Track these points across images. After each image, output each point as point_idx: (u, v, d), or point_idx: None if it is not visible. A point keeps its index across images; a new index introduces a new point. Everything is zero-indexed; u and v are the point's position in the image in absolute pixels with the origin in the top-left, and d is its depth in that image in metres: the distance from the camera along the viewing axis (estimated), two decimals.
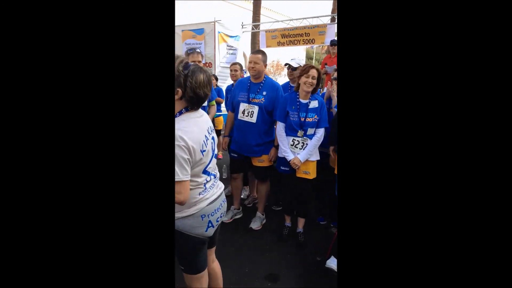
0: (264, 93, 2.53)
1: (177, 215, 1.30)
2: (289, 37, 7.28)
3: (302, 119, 2.35)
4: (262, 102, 2.52)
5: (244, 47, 9.34)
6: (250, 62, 2.53)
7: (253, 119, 2.54)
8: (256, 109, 2.52)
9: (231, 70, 3.64)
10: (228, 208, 2.93)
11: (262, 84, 2.56)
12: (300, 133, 2.38)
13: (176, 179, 1.17)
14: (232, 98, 2.72)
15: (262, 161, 2.65)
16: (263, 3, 10.18)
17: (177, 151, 1.17)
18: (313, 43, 7.07)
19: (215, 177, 1.43)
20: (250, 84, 2.58)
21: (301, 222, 2.67)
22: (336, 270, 2.10)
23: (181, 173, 1.19)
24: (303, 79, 2.31)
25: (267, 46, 7.85)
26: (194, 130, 1.24)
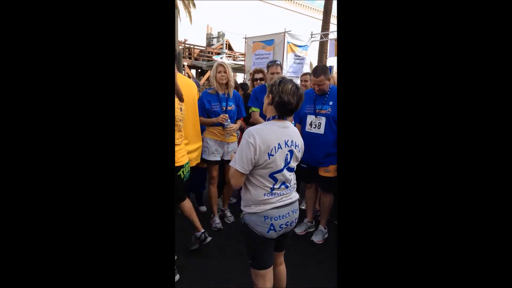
0: (331, 103, 2.54)
1: (245, 210, 1.49)
2: None
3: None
4: (329, 113, 2.53)
5: (311, 56, 9.43)
6: (314, 85, 2.55)
7: (321, 130, 2.56)
8: (323, 120, 2.54)
9: (301, 81, 3.71)
10: (301, 220, 2.92)
11: (328, 95, 2.58)
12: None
13: (231, 164, 1.42)
14: (299, 110, 2.77)
15: (328, 171, 2.62)
16: (333, 12, 10.18)
17: (244, 145, 1.37)
18: None
19: (286, 187, 1.50)
20: (316, 96, 2.61)
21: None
22: None
23: (238, 163, 1.38)
24: None
25: (336, 55, 7.78)
26: (268, 135, 1.38)
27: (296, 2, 21.91)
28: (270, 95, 1.44)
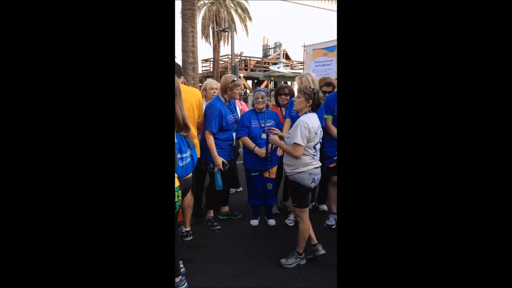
0: None
1: (296, 170, 2.26)
2: None
3: None
4: None
5: None
6: None
7: None
8: None
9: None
10: None
11: None
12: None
13: (295, 141, 2.17)
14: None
15: None
16: None
17: (303, 129, 2.17)
18: None
19: (317, 156, 2.34)
20: None
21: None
22: None
23: (301, 140, 2.17)
24: None
25: None
26: (313, 120, 2.25)
27: None
28: (310, 99, 2.26)
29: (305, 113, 2.27)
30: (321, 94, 2.31)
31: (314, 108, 2.28)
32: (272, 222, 3.09)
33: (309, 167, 2.25)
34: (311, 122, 2.19)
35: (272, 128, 2.53)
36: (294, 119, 2.76)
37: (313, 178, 2.27)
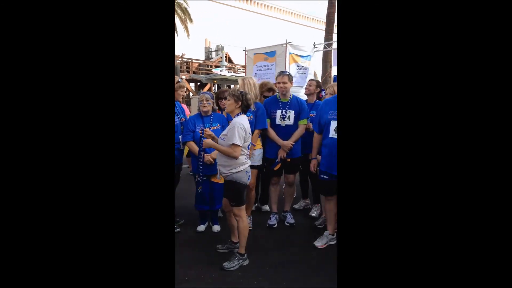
0: None
1: (233, 170, 2.32)
2: None
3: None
4: None
5: (315, 66, 9.20)
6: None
7: None
8: None
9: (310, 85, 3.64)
10: (322, 233, 2.91)
11: None
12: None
13: (234, 142, 2.24)
14: (319, 118, 2.70)
15: None
16: (336, 22, 9.97)
17: (240, 130, 2.26)
18: None
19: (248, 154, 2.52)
20: None
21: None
22: None
23: (239, 141, 2.26)
24: None
25: None
26: (246, 122, 2.37)
27: (297, 14, 22.06)
28: (238, 101, 2.38)
29: (237, 114, 2.38)
30: (249, 96, 2.44)
31: (244, 110, 2.40)
32: (217, 228, 3.07)
33: (245, 166, 2.37)
34: (245, 123, 2.33)
35: (205, 130, 2.53)
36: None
37: (248, 176, 2.41)
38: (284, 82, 3.00)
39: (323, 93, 3.80)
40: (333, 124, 2.55)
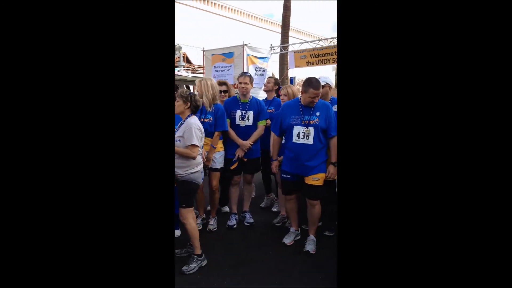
0: (318, 113, 2.61)
1: (190, 171, 2.33)
2: (319, 56, 7.19)
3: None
4: (317, 123, 2.59)
5: (273, 67, 9.38)
6: (313, 97, 2.62)
7: (310, 141, 2.60)
8: (312, 130, 2.59)
9: (268, 82, 3.74)
10: (288, 230, 2.97)
11: (314, 106, 2.64)
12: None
13: (193, 143, 2.26)
14: (280, 122, 2.74)
15: (317, 179, 2.66)
16: (292, 26, 10.26)
17: (197, 131, 2.29)
18: None
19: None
20: (302, 108, 2.64)
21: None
22: None
23: (197, 141, 2.28)
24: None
25: (296, 66, 7.81)
26: (199, 122, 2.41)
27: (254, 16, 22.30)
28: (187, 102, 2.38)
29: (189, 115, 2.39)
30: (197, 97, 2.48)
31: (193, 110, 2.43)
32: (177, 233, 3.00)
33: (201, 165, 2.42)
34: (199, 123, 2.39)
35: None
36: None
37: (202, 175, 2.48)
38: (245, 83, 3.04)
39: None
40: (296, 130, 2.61)
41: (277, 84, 3.67)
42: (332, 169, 2.64)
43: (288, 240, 2.85)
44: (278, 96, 3.62)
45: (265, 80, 3.76)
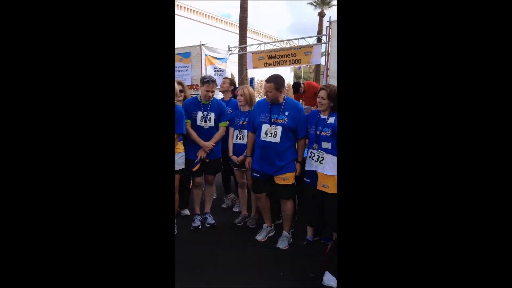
0: (287, 113, 2.62)
1: None
2: (276, 58, 7.35)
3: (318, 133, 2.50)
4: (285, 122, 2.61)
5: (232, 68, 9.39)
6: (264, 89, 2.68)
7: (277, 139, 2.61)
8: (279, 129, 2.60)
9: (223, 83, 3.73)
10: (261, 227, 3.00)
11: (283, 105, 2.66)
12: (315, 146, 2.53)
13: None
14: (253, 119, 2.80)
15: (286, 179, 2.68)
16: (249, 26, 10.35)
17: None
18: (299, 63, 7.14)
19: None
20: (272, 106, 2.67)
21: (309, 230, 2.82)
22: (335, 287, 2.07)
23: None
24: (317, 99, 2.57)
25: (254, 67, 7.90)
26: None
27: (211, 16, 22.07)
28: None
29: None
30: None
31: None
32: None
33: None
34: None
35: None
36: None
37: None
38: (212, 91, 3.05)
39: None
40: (264, 128, 2.65)
41: (233, 85, 3.69)
42: (298, 167, 2.70)
43: (260, 236, 2.88)
44: (235, 96, 3.65)
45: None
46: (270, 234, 2.95)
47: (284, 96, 2.69)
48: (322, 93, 2.46)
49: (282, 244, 2.76)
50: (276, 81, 2.61)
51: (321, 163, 2.47)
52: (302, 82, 4.11)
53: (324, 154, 2.46)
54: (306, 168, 2.63)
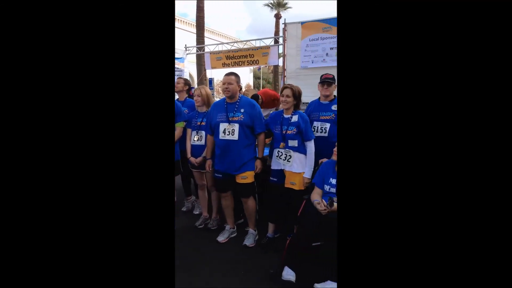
0: (242, 110, 2.66)
1: None
2: (234, 58, 7.37)
3: (284, 132, 2.57)
4: (242, 119, 2.64)
5: (190, 68, 9.23)
6: (224, 84, 2.66)
7: (235, 137, 2.64)
8: (236, 126, 2.64)
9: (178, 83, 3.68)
10: (223, 228, 2.99)
11: (238, 103, 2.70)
12: (282, 145, 2.58)
13: None
14: (210, 121, 2.81)
15: (245, 178, 2.70)
16: (208, 26, 10.27)
17: None
18: (257, 64, 7.24)
19: None
20: (227, 104, 2.71)
21: (271, 227, 2.85)
22: (294, 281, 2.11)
23: None
24: (281, 98, 2.61)
25: (212, 68, 7.85)
26: None
27: None
28: None
29: None
30: None
31: None
32: None
33: None
34: None
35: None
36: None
37: None
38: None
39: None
40: (222, 127, 2.66)
41: (188, 85, 3.64)
42: (258, 164, 2.73)
43: (222, 238, 2.88)
44: (190, 96, 3.60)
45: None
46: (233, 235, 2.96)
47: (240, 95, 2.74)
48: (287, 92, 2.56)
49: (249, 241, 2.79)
50: (236, 75, 2.68)
51: (289, 161, 2.55)
52: (257, 93, 4.18)
53: (292, 153, 2.55)
54: (272, 168, 2.69)
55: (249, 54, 7.13)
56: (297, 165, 2.55)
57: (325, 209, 2.11)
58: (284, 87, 2.63)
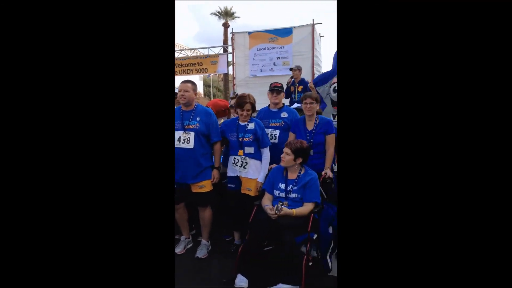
0: (198, 118, 2.64)
1: None
2: (182, 66, 7.26)
3: (240, 139, 2.58)
4: (197, 128, 2.61)
5: None
6: (180, 91, 2.63)
7: (190, 145, 2.59)
8: (192, 135, 2.61)
9: None
10: (179, 239, 2.89)
11: (194, 111, 2.67)
12: (240, 152, 2.60)
13: None
14: None
15: (203, 187, 2.66)
16: None
17: None
18: (206, 72, 7.23)
19: None
20: (183, 112, 2.67)
21: (236, 234, 2.84)
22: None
23: None
24: (239, 111, 2.63)
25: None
26: None
27: None
28: None
29: None
30: None
31: None
32: None
33: None
34: None
35: None
36: None
37: None
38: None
39: None
40: (177, 135, 2.61)
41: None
42: (216, 173, 2.70)
43: (179, 249, 2.79)
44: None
45: None
46: (189, 246, 2.89)
47: (196, 104, 2.73)
48: (248, 106, 2.62)
49: (201, 253, 2.73)
50: (192, 82, 2.66)
51: (245, 168, 2.59)
52: (206, 105, 4.16)
53: (248, 159, 2.60)
54: (228, 174, 2.70)
55: (198, 62, 7.09)
56: (253, 171, 2.60)
57: (275, 214, 2.18)
58: (245, 102, 2.63)
